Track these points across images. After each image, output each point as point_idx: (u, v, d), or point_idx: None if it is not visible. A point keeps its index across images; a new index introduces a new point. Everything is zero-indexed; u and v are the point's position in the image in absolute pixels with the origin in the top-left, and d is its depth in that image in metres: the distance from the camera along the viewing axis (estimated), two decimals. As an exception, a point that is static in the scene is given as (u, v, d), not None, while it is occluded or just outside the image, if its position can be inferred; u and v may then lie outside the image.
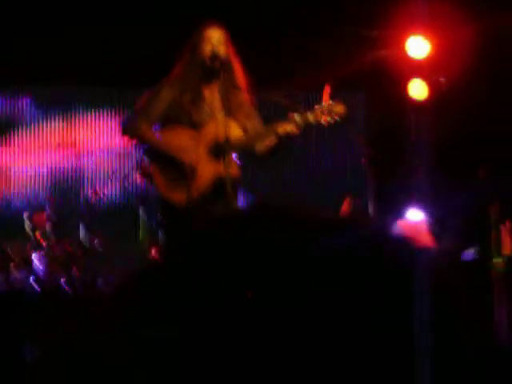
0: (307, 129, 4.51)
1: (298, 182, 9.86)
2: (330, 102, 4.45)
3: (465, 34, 7.51)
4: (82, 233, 8.05)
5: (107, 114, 9.62)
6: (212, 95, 4.61)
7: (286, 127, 4.40)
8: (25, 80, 8.95)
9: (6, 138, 9.38)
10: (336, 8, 7.58)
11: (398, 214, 7.85)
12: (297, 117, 4.42)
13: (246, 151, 4.62)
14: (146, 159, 4.84)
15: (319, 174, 9.98)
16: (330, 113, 4.43)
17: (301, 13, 7.62)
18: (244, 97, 4.63)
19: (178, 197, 4.48)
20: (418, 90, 8.24)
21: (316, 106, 4.48)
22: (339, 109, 4.46)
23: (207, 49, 4.53)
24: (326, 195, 9.75)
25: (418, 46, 7.87)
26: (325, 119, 4.44)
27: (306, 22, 7.79)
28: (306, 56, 8.44)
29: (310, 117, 4.43)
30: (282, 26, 7.84)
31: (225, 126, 4.41)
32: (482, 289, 6.08)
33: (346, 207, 7.76)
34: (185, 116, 4.54)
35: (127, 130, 4.72)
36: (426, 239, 6.85)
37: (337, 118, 4.47)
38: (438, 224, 7.14)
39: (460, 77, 7.77)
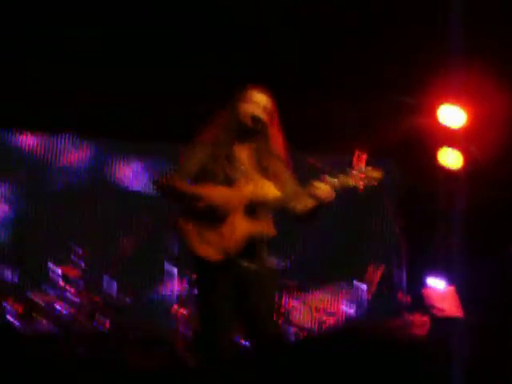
0: (340, 193, 4.51)
1: (325, 245, 9.83)
2: (366, 167, 4.46)
3: (500, 104, 7.52)
4: (109, 284, 8.07)
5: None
6: (247, 155, 4.63)
7: (320, 190, 4.41)
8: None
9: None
10: (371, 73, 7.62)
11: (427, 282, 7.82)
12: (330, 180, 4.43)
13: (283, 211, 4.62)
14: (176, 213, 4.83)
15: (345, 238, 9.95)
16: (365, 178, 4.44)
17: (336, 76, 7.67)
18: (280, 160, 4.66)
19: (209, 252, 4.49)
20: (448, 158, 8.25)
21: (350, 170, 4.48)
22: (375, 174, 4.46)
23: (249, 110, 4.57)
24: (353, 261, 9.73)
25: (450, 115, 7.92)
26: (360, 183, 4.44)
27: (341, 87, 7.84)
28: (341, 120, 8.48)
29: (345, 180, 4.44)
30: (316, 89, 7.89)
31: (259, 185, 4.44)
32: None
33: (372, 274, 7.74)
34: (218, 175, 4.56)
35: (160, 184, 4.74)
36: (453, 309, 6.81)
37: (372, 182, 4.47)
38: (466, 293, 7.10)
39: (494, 147, 7.77)
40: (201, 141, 4.67)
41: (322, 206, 4.46)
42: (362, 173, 4.42)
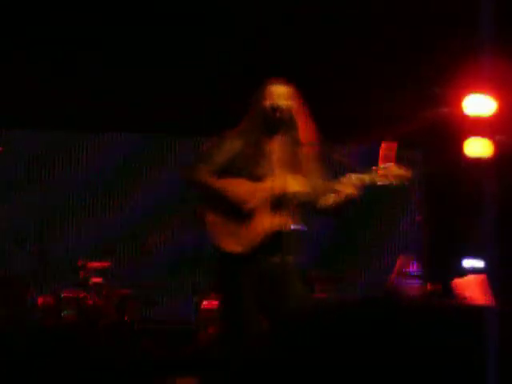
0: (363, 190, 4.47)
1: (351, 238, 9.84)
2: (390, 164, 4.42)
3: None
4: (135, 277, 8.11)
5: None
6: (273, 149, 4.61)
7: (344, 187, 4.38)
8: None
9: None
10: (398, 63, 7.59)
11: (455, 271, 7.78)
12: (354, 177, 4.40)
13: (307, 206, 4.59)
14: (201, 207, 4.82)
15: (371, 230, 9.95)
16: (393, 176, 4.40)
17: (363, 68, 7.65)
18: (306, 153, 4.62)
19: (232, 245, 4.48)
20: (475, 148, 8.20)
21: (374, 168, 4.45)
22: (404, 173, 4.43)
23: (268, 102, 4.57)
24: (380, 252, 9.73)
25: (478, 104, 7.85)
26: (382, 181, 4.41)
27: (368, 77, 7.82)
28: (368, 110, 8.46)
29: (367, 178, 4.41)
30: (344, 80, 7.88)
31: (286, 179, 4.41)
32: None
33: (399, 265, 7.69)
34: (245, 169, 4.54)
35: (187, 174, 4.75)
36: (483, 297, 6.76)
37: (393, 180, 4.43)
38: (496, 281, 7.03)
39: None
40: (230, 134, 4.67)
41: (344, 203, 4.43)
42: (389, 171, 4.38)
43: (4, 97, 8.29)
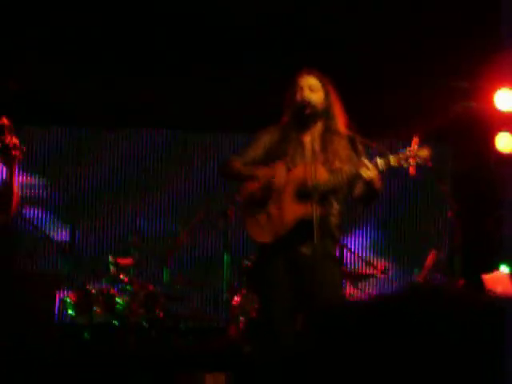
0: (392, 173, 4.48)
1: (380, 234, 9.81)
2: (416, 146, 4.40)
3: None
4: (163, 273, 8.13)
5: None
6: (308, 142, 4.60)
7: (368, 171, 4.36)
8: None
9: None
10: (425, 59, 7.55)
11: (484, 266, 7.72)
12: (379, 160, 4.39)
13: (340, 195, 4.57)
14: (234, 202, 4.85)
15: (402, 226, 9.91)
16: (414, 156, 4.38)
17: (392, 63, 7.62)
18: (342, 142, 4.61)
19: (261, 235, 4.50)
20: (505, 143, 8.14)
21: (401, 151, 4.43)
22: (423, 153, 4.39)
23: (298, 98, 4.57)
24: (409, 248, 9.69)
25: (507, 99, 7.79)
26: (407, 163, 4.38)
27: (398, 72, 7.78)
28: (397, 106, 8.42)
29: (392, 160, 4.39)
30: (373, 76, 7.86)
31: (313, 168, 4.38)
32: None
33: (430, 261, 7.66)
34: (280, 159, 4.56)
35: (221, 167, 4.81)
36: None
37: (420, 161, 4.40)
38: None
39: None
40: (267, 129, 4.70)
41: (370, 187, 4.42)
42: (408, 153, 4.37)
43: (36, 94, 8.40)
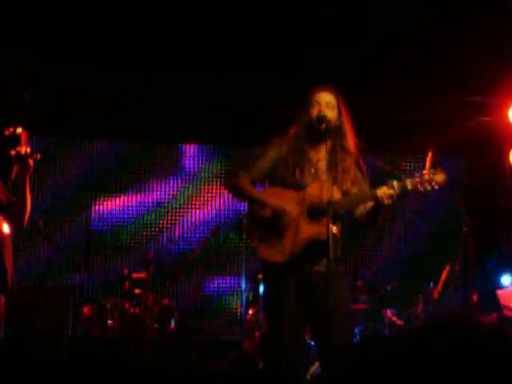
0: (405, 195, 4.49)
1: (396, 247, 9.81)
2: (432, 170, 4.41)
3: None
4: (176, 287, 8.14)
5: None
6: (318, 157, 4.61)
7: (385, 191, 4.38)
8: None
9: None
10: (440, 73, 7.56)
11: (498, 281, 7.72)
12: (395, 184, 4.40)
13: (347, 214, 4.60)
14: (245, 218, 4.85)
15: (417, 240, 9.90)
16: (429, 181, 4.39)
17: (406, 77, 7.63)
18: (352, 161, 4.63)
19: (272, 254, 4.48)
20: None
21: (416, 174, 4.44)
22: (439, 177, 4.41)
23: (314, 111, 4.57)
24: (425, 262, 9.68)
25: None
26: (423, 187, 4.40)
27: (412, 86, 7.79)
28: (411, 120, 8.42)
29: (409, 184, 4.40)
30: (387, 90, 7.87)
31: (327, 187, 4.39)
32: None
33: (445, 274, 7.65)
34: (289, 177, 4.56)
35: (228, 182, 4.80)
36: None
37: (436, 186, 4.42)
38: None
39: None
40: (275, 142, 4.69)
41: (380, 209, 4.44)
42: (424, 177, 4.38)
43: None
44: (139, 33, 7.25)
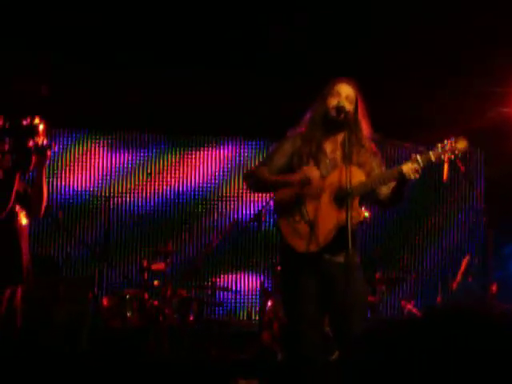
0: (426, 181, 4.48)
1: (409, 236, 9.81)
2: (452, 139, 4.40)
3: None
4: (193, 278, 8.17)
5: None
6: (333, 148, 4.60)
7: (410, 166, 4.36)
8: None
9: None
10: (459, 63, 7.53)
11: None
12: (419, 157, 4.38)
13: (370, 196, 4.57)
14: (271, 210, 4.84)
15: (435, 230, 9.88)
16: (452, 150, 4.37)
17: (425, 68, 7.60)
18: (367, 156, 4.62)
19: (300, 244, 4.47)
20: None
21: (438, 144, 4.43)
22: (461, 145, 4.38)
23: (333, 101, 4.56)
24: (442, 253, 9.66)
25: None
26: (447, 156, 4.38)
27: (431, 77, 7.76)
28: (430, 110, 8.40)
29: (432, 155, 4.38)
30: (406, 80, 7.84)
31: (348, 172, 4.37)
32: None
33: (464, 265, 7.63)
34: (303, 167, 4.55)
35: (250, 178, 4.78)
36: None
37: (458, 153, 4.40)
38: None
39: None
40: (291, 135, 4.69)
41: (404, 186, 4.43)
42: (445, 146, 4.36)
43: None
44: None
